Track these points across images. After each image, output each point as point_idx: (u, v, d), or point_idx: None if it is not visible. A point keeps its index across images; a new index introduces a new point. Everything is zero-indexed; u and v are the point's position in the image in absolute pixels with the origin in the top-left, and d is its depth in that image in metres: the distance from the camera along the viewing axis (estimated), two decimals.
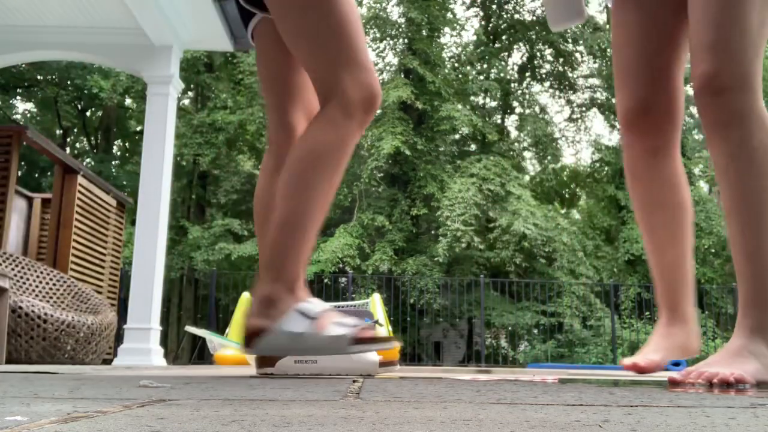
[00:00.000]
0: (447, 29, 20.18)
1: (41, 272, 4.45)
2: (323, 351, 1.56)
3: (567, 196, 23.85)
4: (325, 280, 14.79)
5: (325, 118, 1.67)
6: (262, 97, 1.95)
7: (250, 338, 1.59)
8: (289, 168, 1.67)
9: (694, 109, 24.07)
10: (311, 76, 1.76)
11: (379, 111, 20.41)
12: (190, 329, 7.31)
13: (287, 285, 1.61)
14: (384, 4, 19.58)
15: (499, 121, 20.62)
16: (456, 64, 20.53)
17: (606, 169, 20.17)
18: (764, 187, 1.53)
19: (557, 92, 21.55)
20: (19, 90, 20.15)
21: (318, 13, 1.69)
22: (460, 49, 20.71)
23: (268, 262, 1.63)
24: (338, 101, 1.66)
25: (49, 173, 16.56)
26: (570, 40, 20.11)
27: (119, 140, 22.81)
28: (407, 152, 16.83)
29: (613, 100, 20.40)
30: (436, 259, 16.00)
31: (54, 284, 4.48)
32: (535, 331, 16.25)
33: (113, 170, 19.35)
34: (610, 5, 1.90)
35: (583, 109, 21.49)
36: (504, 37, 21.21)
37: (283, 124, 1.87)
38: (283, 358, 1.74)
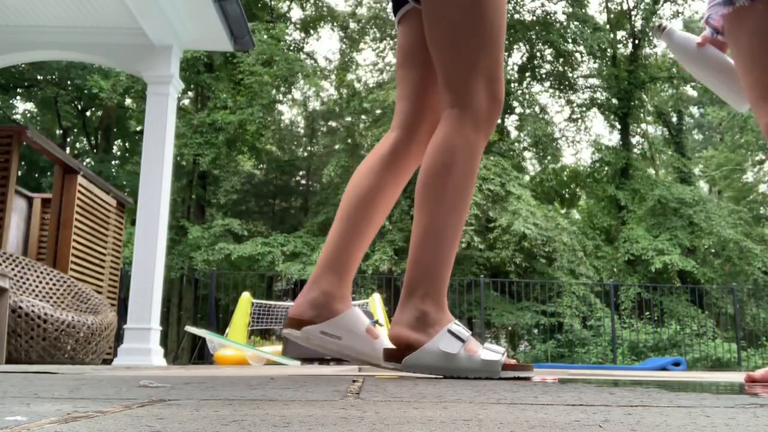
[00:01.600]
0: None
1: (41, 272, 4.45)
2: (476, 373, 1.57)
3: (567, 196, 23.85)
4: None
5: (455, 129, 1.65)
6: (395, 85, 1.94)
7: (402, 351, 1.59)
8: (423, 179, 1.65)
9: (694, 109, 23.89)
10: (444, 79, 1.72)
11: (378, 111, 20.31)
12: (190, 329, 7.32)
13: (436, 301, 1.61)
14: (384, 4, 19.57)
15: (499, 121, 20.60)
16: None
17: (606, 169, 20.16)
18: None
19: (557, 92, 21.54)
20: (19, 90, 20.15)
21: (472, 19, 1.65)
22: None
23: (415, 277, 1.62)
24: (470, 112, 1.65)
25: (49, 173, 16.57)
26: (570, 40, 20.11)
27: (119, 140, 22.82)
28: None
29: (614, 101, 20.42)
30: None
31: (54, 284, 4.48)
32: (535, 331, 16.25)
33: (113, 170, 19.35)
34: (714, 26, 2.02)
35: (583, 109, 21.48)
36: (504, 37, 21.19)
37: (408, 120, 1.84)
38: (310, 326, 1.71)
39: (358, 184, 1.81)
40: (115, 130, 21.23)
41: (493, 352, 1.59)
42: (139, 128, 19.60)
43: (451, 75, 1.68)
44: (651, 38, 20.80)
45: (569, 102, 21.59)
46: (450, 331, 1.58)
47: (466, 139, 1.64)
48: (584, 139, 25.31)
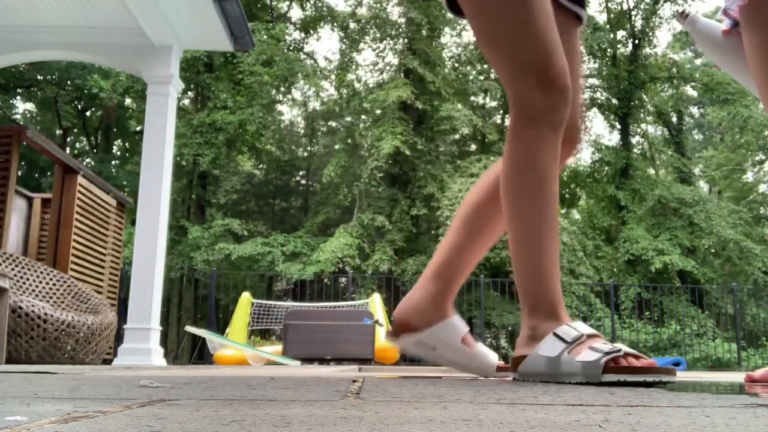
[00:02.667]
0: (447, 29, 20.18)
1: (41, 272, 4.45)
2: (577, 377, 1.43)
3: (567, 196, 23.85)
4: (325, 281, 14.79)
5: (510, 134, 1.57)
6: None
7: (515, 364, 1.58)
8: (501, 189, 1.61)
9: (694, 109, 23.85)
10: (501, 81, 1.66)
11: (378, 111, 20.27)
12: (190, 329, 7.32)
13: (546, 310, 1.54)
14: (384, 4, 19.57)
15: (499, 121, 20.62)
16: (456, 64, 20.53)
17: (606, 169, 20.17)
18: None
19: None
20: (19, 90, 20.15)
21: (496, 16, 1.56)
22: (460, 49, 20.70)
23: (522, 292, 1.60)
24: (520, 110, 1.54)
25: (49, 173, 16.56)
26: None
27: (119, 140, 22.82)
28: (407, 152, 16.84)
29: (614, 101, 20.41)
30: None
31: (54, 284, 4.48)
32: None
33: (113, 170, 19.35)
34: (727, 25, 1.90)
35: (583, 109, 21.46)
36: None
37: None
38: (407, 336, 1.71)
39: (473, 200, 1.81)
40: (115, 130, 21.22)
41: (594, 351, 1.42)
42: (139, 128, 19.60)
43: (502, 79, 1.62)
44: (651, 38, 20.80)
45: None
46: (555, 334, 1.49)
47: (521, 140, 1.54)
48: (584, 139, 25.29)
